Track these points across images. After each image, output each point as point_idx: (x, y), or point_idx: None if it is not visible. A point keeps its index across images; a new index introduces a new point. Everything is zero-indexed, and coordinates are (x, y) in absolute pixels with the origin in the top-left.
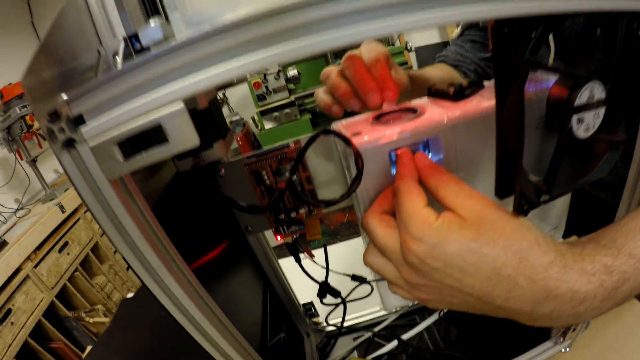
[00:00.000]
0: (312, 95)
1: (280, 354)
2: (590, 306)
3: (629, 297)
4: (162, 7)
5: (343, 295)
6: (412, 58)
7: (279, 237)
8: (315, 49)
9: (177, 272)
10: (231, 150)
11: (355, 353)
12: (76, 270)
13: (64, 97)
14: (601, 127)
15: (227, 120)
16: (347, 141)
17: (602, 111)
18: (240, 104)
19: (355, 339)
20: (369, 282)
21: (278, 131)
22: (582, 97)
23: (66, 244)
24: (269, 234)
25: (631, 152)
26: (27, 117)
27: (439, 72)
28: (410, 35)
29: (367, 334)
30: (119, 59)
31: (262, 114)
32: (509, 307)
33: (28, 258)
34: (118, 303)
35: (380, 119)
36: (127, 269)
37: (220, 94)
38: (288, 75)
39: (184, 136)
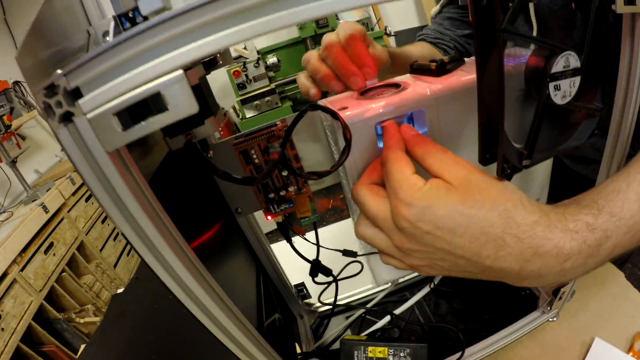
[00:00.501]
0: (293, 82)
1: (276, 334)
2: (575, 262)
3: (611, 254)
4: None
5: (334, 273)
6: (391, 42)
7: (269, 217)
8: (300, 17)
9: (176, 246)
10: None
11: (349, 331)
12: (63, 271)
13: (59, 71)
14: (577, 95)
15: None
16: (334, 114)
17: (577, 80)
18: (220, 94)
19: (347, 317)
20: (359, 257)
21: (259, 119)
22: (557, 65)
23: (51, 244)
24: (259, 216)
25: (608, 120)
26: (5, 117)
27: (419, 49)
28: (389, 19)
29: (360, 311)
30: (109, 38)
31: (243, 102)
32: (497, 266)
33: (14, 261)
34: (107, 302)
35: (364, 94)
36: (115, 266)
37: None
38: (268, 62)
39: (184, 103)
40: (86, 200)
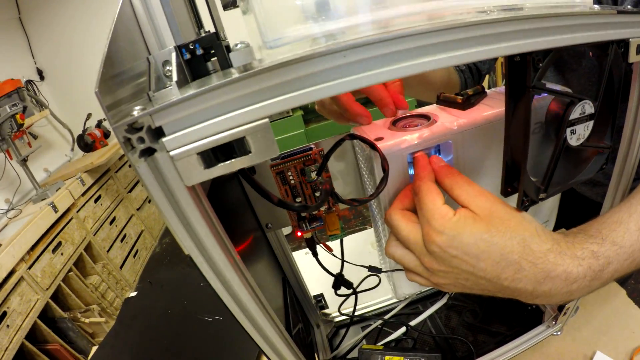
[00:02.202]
0: None
1: (301, 343)
2: (581, 285)
3: (613, 277)
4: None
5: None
6: None
7: (299, 233)
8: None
9: (236, 266)
10: None
11: (364, 341)
12: (70, 270)
13: (145, 109)
14: (590, 136)
15: None
16: (372, 146)
17: (591, 124)
18: None
19: (363, 327)
20: (376, 272)
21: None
22: (575, 113)
23: (59, 244)
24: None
25: (615, 155)
26: (17, 116)
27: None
28: None
29: (378, 322)
30: (170, 68)
31: None
32: (514, 287)
33: (22, 259)
34: (112, 302)
35: (396, 124)
36: (121, 267)
37: None
38: None
39: (267, 148)
40: (95, 202)
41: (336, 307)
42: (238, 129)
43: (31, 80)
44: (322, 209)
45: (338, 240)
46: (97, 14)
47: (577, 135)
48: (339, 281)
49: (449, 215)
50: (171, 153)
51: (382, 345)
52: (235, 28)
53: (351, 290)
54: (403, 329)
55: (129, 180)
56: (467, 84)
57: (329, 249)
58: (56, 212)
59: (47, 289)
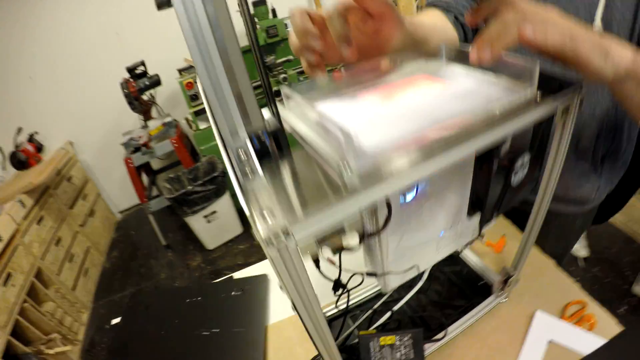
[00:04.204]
0: (258, 87)
1: None
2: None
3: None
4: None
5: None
6: None
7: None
8: None
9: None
10: (165, 152)
11: (356, 331)
12: (25, 301)
13: (287, 223)
14: (525, 176)
15: (159, 122)
16: None
17: (527, 167)
18: (167, 104)
19: (352, 317)
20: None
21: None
22: (518, 163)
23: (9, 275)
24: None
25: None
26: None
27: (431, 20)
28: None
29: (369, 312)
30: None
31: (196, 114)
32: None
33: None
34: (71, 327)
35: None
36: (73, 289)
37: (148, 94)
38: None
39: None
40: (38, 223)
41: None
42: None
43: None
44: None
45: None
46: (21, 23)
47: (518, 178)
48: (338, 285)
49: None
50: (299, 244)
51: (374, 329)
52: None
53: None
54: (389, 314)
55: (69, 196)
56: (468, 38)
57: (333, 263)
58: (0, 240)
59: (5, 325)
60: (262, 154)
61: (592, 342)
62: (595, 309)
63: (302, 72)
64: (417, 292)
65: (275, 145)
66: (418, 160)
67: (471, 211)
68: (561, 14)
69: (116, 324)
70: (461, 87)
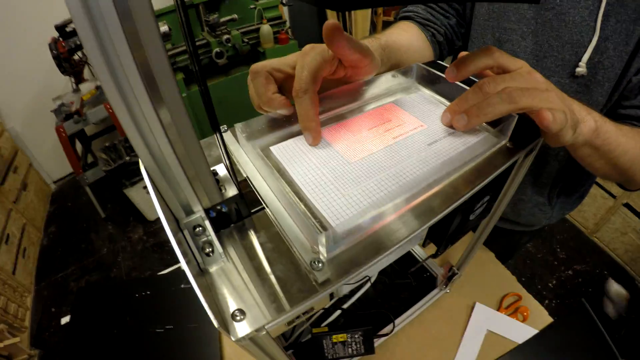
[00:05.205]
0: (184, 52)
1: None
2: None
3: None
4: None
5: None
6: (285, 12)
7: None
8: None
9: None
10: (100, 118)
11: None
12: None
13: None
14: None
15: (93, 85)
16: None
17: (484, 205)
18: None
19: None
20: None
21: None
22: (478, 205)
23: None
24: None
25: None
26: None
27: (407, 38)
28: None
29: (320, 310)
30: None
31: None
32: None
33: None
34: (17, 315)
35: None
36: (13, 272)
37: (80, 54)
38: None
39: None
40: None
41: None
42: None
43: None
44: None
45: None
46: None
47: (476, 214)
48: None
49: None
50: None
51: (326, 327)
52: None
53: None
54: (339, 312)
55: None
56: (443, 55)
57: None
58: None
59: None
60: (220, 226)
61: (526, 332)
62: (530, 302)
63: (246, 33)
64: (368, 292)
65: (235, 213)
66: (389, 245)
67: (426, 242)
68: (544, 80)
69: (66, 324)
70: (432, 130)
